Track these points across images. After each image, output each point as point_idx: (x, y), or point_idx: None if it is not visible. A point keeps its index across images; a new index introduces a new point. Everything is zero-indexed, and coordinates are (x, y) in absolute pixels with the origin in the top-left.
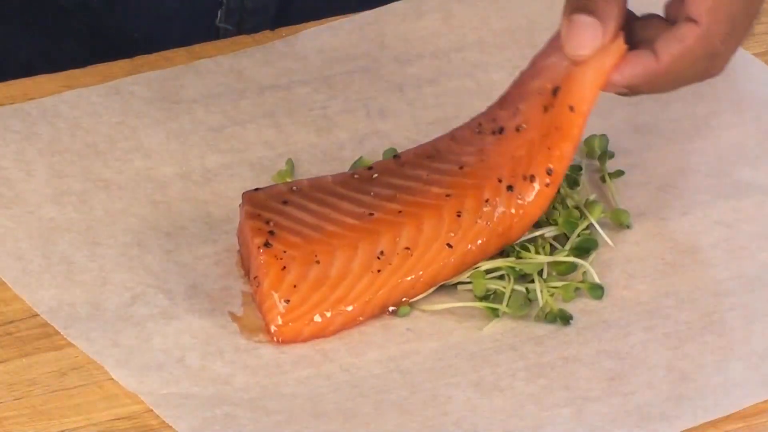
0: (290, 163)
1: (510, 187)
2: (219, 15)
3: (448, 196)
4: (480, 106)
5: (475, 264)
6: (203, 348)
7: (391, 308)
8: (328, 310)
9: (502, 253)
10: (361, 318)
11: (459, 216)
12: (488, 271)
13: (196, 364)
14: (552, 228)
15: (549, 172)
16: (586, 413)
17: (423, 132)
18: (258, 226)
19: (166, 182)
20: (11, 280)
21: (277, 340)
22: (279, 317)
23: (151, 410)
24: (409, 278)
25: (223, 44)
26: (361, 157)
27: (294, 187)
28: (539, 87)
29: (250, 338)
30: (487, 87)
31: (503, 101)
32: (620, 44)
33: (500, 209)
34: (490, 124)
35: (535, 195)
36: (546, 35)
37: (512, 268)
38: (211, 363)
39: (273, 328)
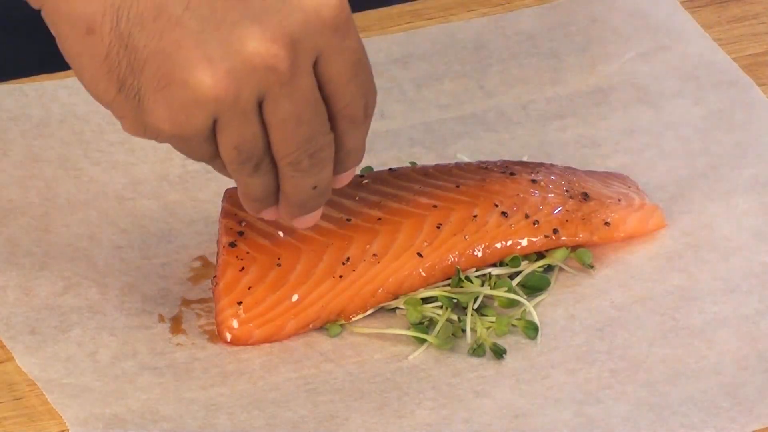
0: None
1: (505, 214)
2: None
3: (434, 207)
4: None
5: (443, 279)
6: (119, 346)
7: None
8: (281, 315)
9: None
10: (314, 324)
11: (439, 227)
12: (427, 299)
13: (106, 360)
14: (504, 268)
15: (555, 231)
16: None
17: (430, 130)
18: (230, 225)
19: (141, 179)
20: None
21: (228, 342)
22: (230, 318)
23: None
24: (371, 286)
25: None
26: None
27: None
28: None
29: (170, 340)
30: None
31: (521, 162)
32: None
33: (487, 227)
34: (500, 167)
35: (530, 234)
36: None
37: (447, 297)
38: (121, 361)
39: (224, 329)
